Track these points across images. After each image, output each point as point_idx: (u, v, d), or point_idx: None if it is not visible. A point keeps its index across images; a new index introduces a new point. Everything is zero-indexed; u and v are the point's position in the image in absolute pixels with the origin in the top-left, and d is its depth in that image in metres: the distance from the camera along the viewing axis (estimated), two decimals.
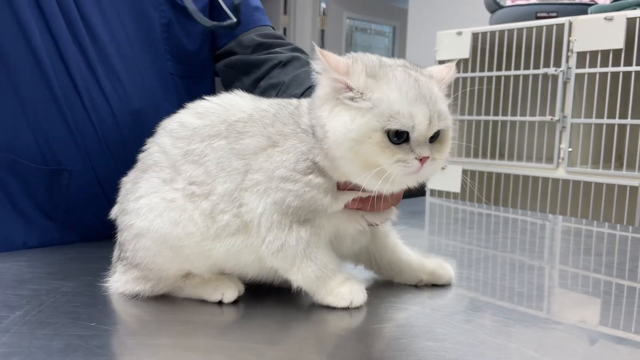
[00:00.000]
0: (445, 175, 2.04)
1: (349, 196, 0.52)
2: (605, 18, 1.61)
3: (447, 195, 2.03)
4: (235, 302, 0.54)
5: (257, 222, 0.52)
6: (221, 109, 0.56)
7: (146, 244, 0.53)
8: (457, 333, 0.49)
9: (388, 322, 0.51)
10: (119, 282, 0.56)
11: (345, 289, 0.53)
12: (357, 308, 0.53)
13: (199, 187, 0.53)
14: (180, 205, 0.53)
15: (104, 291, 0.56)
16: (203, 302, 0.55)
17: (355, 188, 0.51)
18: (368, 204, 0.53)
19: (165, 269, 0.54)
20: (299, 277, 0.53)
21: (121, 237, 0.56)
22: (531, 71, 1.81)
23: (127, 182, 0.58)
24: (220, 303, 0.54)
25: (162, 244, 0.53)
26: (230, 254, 0.53)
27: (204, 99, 0.58)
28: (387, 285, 0.62)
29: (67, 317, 0.50)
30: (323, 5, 4.84)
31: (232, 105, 0.57)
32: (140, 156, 0.59)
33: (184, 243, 0.53)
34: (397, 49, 6.31)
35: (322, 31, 4.70)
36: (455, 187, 2.01)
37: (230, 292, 0.54)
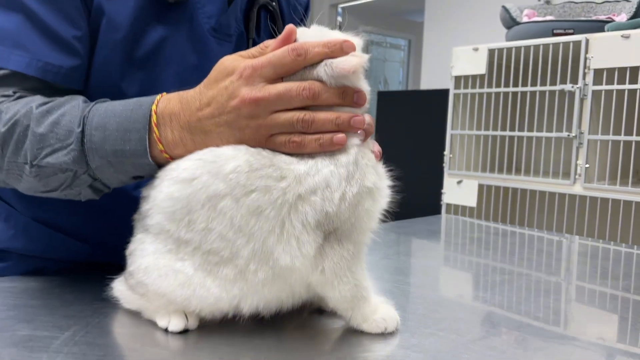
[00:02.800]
0: (461, 189, 2.05)
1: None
2: (622, 36, 1.63)
3: (463, 209, 2.04)
4: (261, 326, 0.56)
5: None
6: (208, 163, 0.51)
7: (148, 294, 0.54)
8: (481, 358, 0.51)
9: (415, 347, 0.53)
10: (119, 290, 0.58)
11: (379, 316, 0.55)
12: (391, 333, 0.56)
13: (215, 256, 0.51)
14: (188, 273, 0.52)
15: (142, 313, 0.59)
16: (246, 325, 0.56)
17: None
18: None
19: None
20: (336, 294, 0.53)
21: (129, 267, 0.56)
22: (548, 87, 1.82)
23: (138, 228, 0.56)
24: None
25: (162, 299, 0.53)
26: (268, 301, 0.53)
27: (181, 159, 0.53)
28: (410, 311, 0.65)
29: (113, 338, 0.54)
30: (339, 19, 4.91)
31: (217, 156, 0.51)
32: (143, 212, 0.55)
33: (191, 304, 0.52)
34: (412, 61, 6.34)
35: None
36: (472, 202, 2.02)
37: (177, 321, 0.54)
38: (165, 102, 0.55)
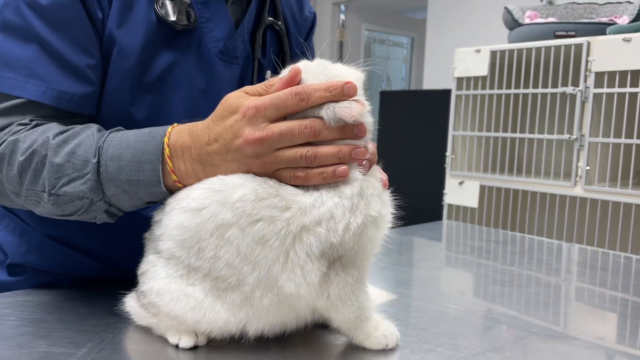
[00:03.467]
0: (463, 190, 2.07)
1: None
2: (623, 39, 1.63)
3: (465, 210, 2.06)
4: (267, 341, 0.58)
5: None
6: (216, 193, 0.53)
7: (159, 315, 0.57)
8: None
9: None
10: (131, 306, 0.60)
11: (380, 332, 0.58)
12: (391, 349, 0.58)
13: (222, 282, 0.53)
14: (199, 298, 0.54)
15: (153, 330, 0.61)
16: (253, 340, 0.58)
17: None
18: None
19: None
20: (340, 317, 0.56)
21: (141, 286, 0.58)
22: (549, 90, 1.83)
23: (149, 249, 0.58)
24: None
25: (174, 320, 0.56)
26: (272, 325, 0.56)
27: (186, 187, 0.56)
28: (411, 325, 0.67)
29: (127, 355, 0.56)
30: (342, 17, 4.91)
31: (225, 185, 0.53)
32: (155, 234, 0.57)
33: (202, 326, 0.55)
34: (415, 59, 6.34)
35: (341, 43, 4.77)
36: (473, 203, 2.04)
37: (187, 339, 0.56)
38: (177, 134, 0.57)
